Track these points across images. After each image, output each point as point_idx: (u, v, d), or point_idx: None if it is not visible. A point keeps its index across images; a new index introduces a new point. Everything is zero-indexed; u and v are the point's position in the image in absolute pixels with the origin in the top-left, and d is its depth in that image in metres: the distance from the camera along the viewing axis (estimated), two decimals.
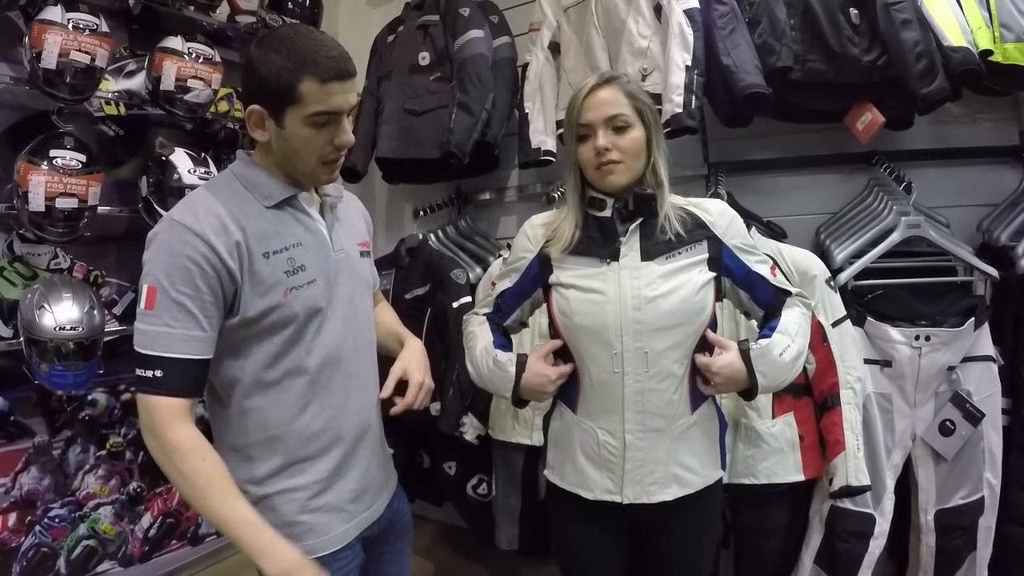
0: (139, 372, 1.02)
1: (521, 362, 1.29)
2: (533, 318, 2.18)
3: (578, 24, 2.15)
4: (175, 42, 2.22)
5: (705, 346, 1.23)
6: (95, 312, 1.98)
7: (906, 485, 1.84)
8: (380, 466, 1.27)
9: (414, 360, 1.28)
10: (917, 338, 1.73)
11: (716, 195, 1.99)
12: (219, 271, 1.01)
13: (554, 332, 1.32)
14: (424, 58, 2.46)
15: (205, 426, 1.11)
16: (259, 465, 1.10)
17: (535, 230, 1.34)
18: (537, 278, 1.33)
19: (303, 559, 1.01)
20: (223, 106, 2.61)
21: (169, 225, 1.02)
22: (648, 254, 1.22)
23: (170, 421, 1.00)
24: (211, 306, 1.01)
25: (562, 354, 1.29)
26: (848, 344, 1.72)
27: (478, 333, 1.39)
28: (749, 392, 1.22)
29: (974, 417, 1.71)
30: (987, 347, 1.75)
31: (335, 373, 1.14)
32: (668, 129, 1.75)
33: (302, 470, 1.11)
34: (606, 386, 1.22)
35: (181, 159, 2.19)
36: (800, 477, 1.74)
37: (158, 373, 1.00)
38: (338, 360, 1.14)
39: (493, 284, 1.43)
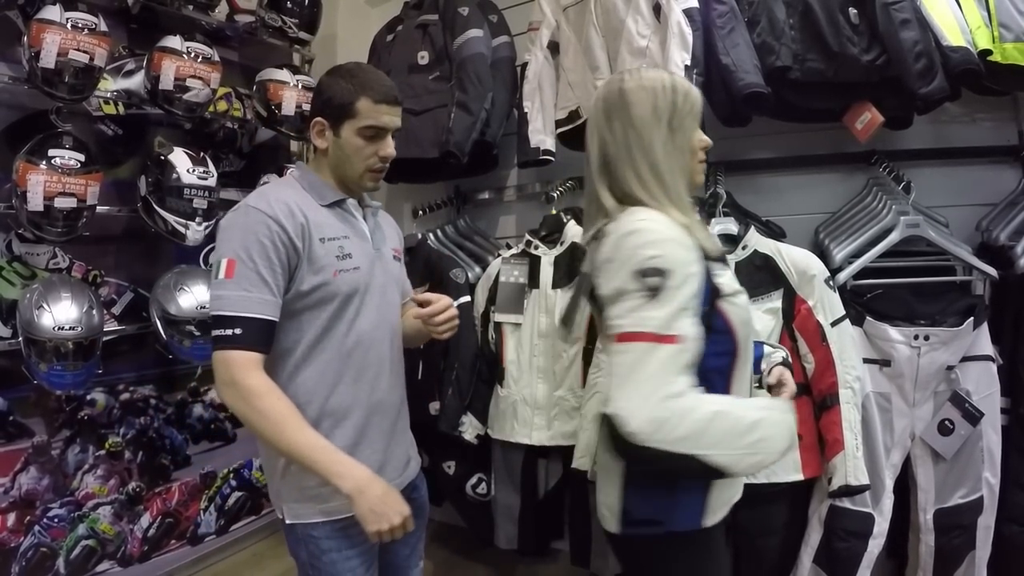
0: (218, 333, 1.14)
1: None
2: (531, 315, 2.19)
3: (577, 23, 2.15)
4: (174, 41, 2.22)
5: None
6: (94, 312, 1.98)
7: (905, 484, 1.84)
8: (402, 447, 1.40)
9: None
10: (916, 337, 1.73)
11: (715, 194, 1.99)
12: (287, 247, 1.18)
13: (719, 348, 1.06)
14: (423, 57, 2.46)
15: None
16: (286, 391, 1.22)
17: (685, 238, 1.02)
18: (707, 294, 1.04)
19: (373, 475, 1.14)
20: (222, 105, 2.61)
21: (245, 210, 1.20)
22: None
23: (247, 369, 1.13)
24: (280, 277, 1.18)
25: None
26: (847, 343, 1.72)
27: (713, 406, 0.98)
28: None
29: (973, 416, 1.71)
30: (986, 346, 1.75)
31: (368, 353, 1.29)
32: None
33: (329, 438, 1.20)
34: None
35: (180, 158, 2.19)
36: (799, 476, 1.74)
37: (237, 331, 1.13)
38: (371, 342, 1.29)
39: (658, 336, 0.95)
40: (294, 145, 2.97)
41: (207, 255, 2.55)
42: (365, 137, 1.26)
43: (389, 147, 1.29)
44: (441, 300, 1.35)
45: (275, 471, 1.28)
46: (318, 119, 1.28)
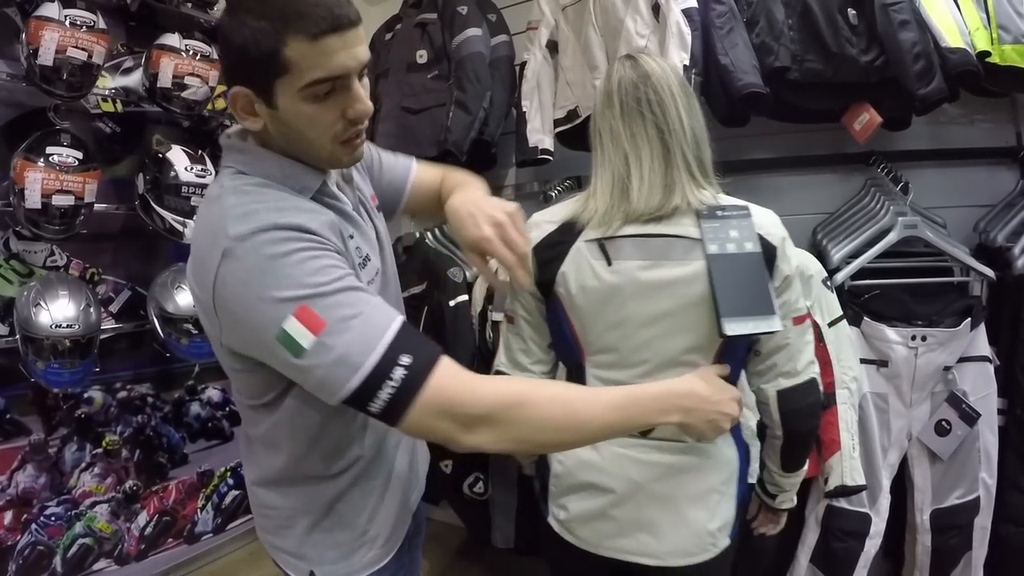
0: (387, 393, 0.75)
1: None
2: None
3: (576, 23, 2.15)
4: (172, 39, 2.21)
5: None
6: (91, 310, 1.98)
7: (902, 485, 1.85)
8: (421, 460, 1.19)
9: (474, 207, 1.04)
10: (913, 338, 1.73)
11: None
12: (335, 249, 0.82)
13: None
14: (422, 56, 2.46)
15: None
16: (336, 461, 0.97)
17: None
18: None
19: (686, 387, 0.93)
20: (220, 103, 2.60)
21: (240, 245, 0.76)
22: None
23: (459, 388, 0.78)
24: (357, 278, 0.83)
25: None
26: (844, 344, 1.72)
27: None
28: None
29: (970, 417, 1.72)
30: (983, 347, 1.75)
31: None
32: None
33: (374, 470, 1.00)
34: None
35: (178, 156, 2.19)
36: None
37: (407, 359, 0.76)
38: None
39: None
40: None
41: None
42: (315, 99, 0.81)
43: (359, 101, 0.84)
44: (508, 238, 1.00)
45: (293, 531, 0.98)
46: (237, 89, 0.83)
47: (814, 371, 1.12)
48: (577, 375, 1.16)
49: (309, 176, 0.88)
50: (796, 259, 1.10)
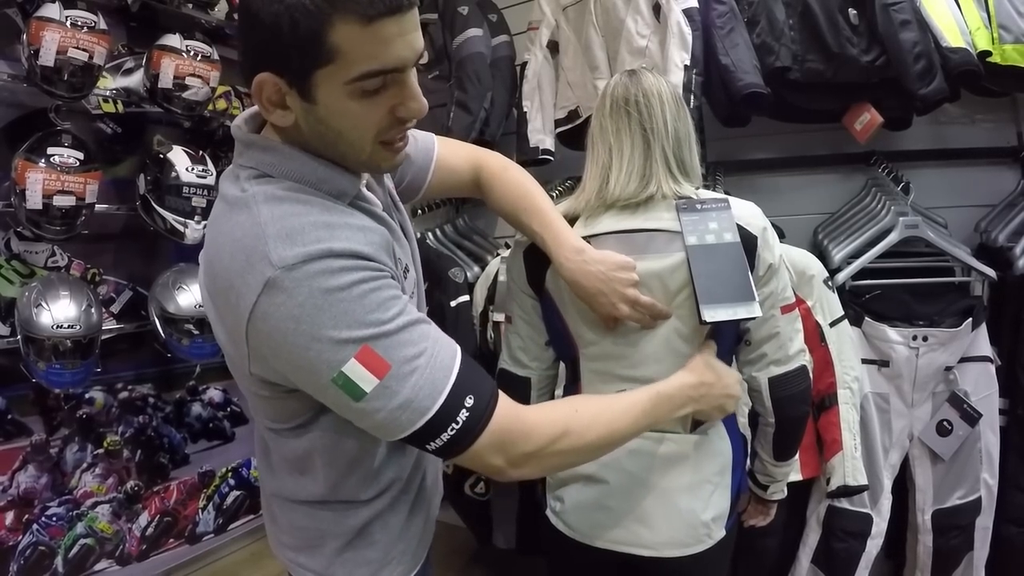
0: (449, 435, 0.72)
1: None
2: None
3: (577, 23, 2.15)
4: (173, 40, 2.22)
5: None
6: (92, 310, 1.98)
7: (903, 485, 1.84)
8: (440, 466, 1.14)
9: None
10: (915, 338, 1.73)
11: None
12: (391, 274, 0.75)
13: None
14: (422, 56, 2.46)
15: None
16: (372, 485, 0.91)
17: None
18: None
19: (695, 378, 0.99)
20: (221, 104, 2.61)
21: (289, 276, 0.67)
22: None
23: (515, 428, 0.76)
24: (412, 304, 0.77)
25: None
26: (846, 344, 1.72)
27: None
28: None
29: (971, 417, 1.71)
30: (984, 347, 1.75)
31: None
32: None
33: (400, 489, 0.95)
34: None
35: (179, 157, 2.19)
36: (797, 477, 1.74)
37: (470, 401, 0.72)
38: None
39: None
40: None
41: None
42: (364, 94, 0.70)
43: (413, 97, 0.73)
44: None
45: (322, 551, 0.92)
46: (264, 76, 0.70)
47: (804, 358, 1.15)
48: (573, 369, 1.20)
49: (346, 179, 0.77)
50: (780, 249, 1.13)
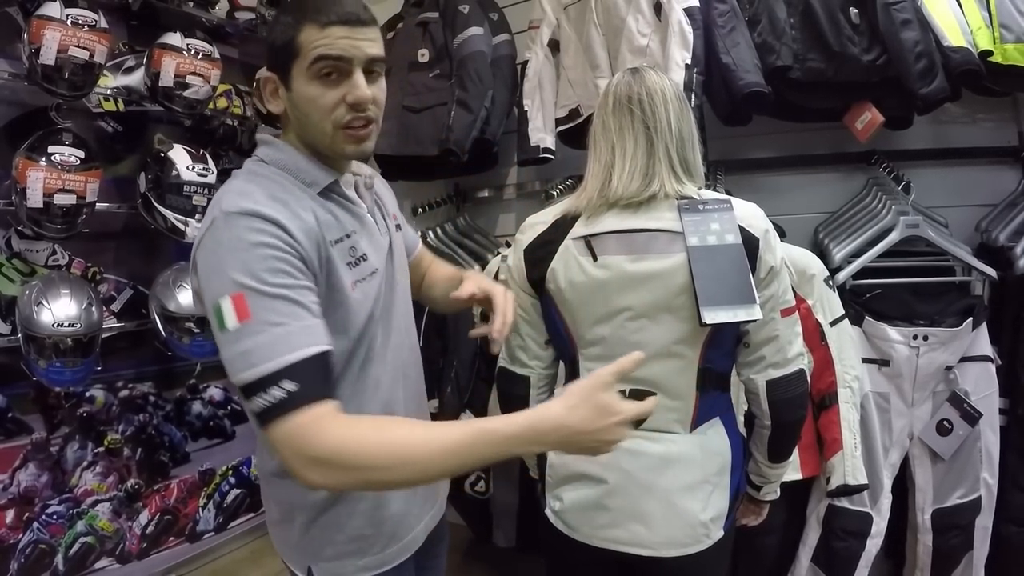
0: (261, 402, 0.78)
1: None
2: None
3: (578, 22, 2.15)
4: (174, 38, 2.22)
5: None
6: (93, 309, 1.99)
7: (903, 484, 1.85)
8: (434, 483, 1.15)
9: (483, 279, 1.16)
10: (915, 337, 1.73)
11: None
12: (302, 255, 0.86)
13: None
14: (423, 55, 2.46)
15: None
16: None
17: None
18: None
19: (558, 420, 0.79)
20: (222, 102, 2.61)
21: (224, 220, 0.84)
22: None
23: (325, 428, 0.78)
24: (310, 292, 0.86)
25: None
26: (846, 343, 1.72)
27: None
28: None
29: (971, 417, 1.72)
30: (985, 347, 1.75)
31: (398, 375, 1.04)
32: None
33: None
34: None
35: (180, 155, 2.19)
36: (797, 476, 1.74)
37: (290, 386, 0.78)
38: (398, 361, 1.04)
39: None
40: None
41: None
42: (319, 78, 0.90)
43: (358, 87, 0.91)
44: (497, 317, 1.05)
45: (293, 525, 1.01)
46: (267, 75, 0.95)
47: (803, 362, 1.15)
48: (573, 369, 1.19)
49: (321, 173, 0.96)
50: (782, 251, 1.12)
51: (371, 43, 0.92)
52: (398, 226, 1.14)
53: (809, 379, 1.74)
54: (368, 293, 0.96)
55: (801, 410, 1.16)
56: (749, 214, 1.10)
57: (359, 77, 0.91)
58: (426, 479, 0.85)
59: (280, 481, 1.00)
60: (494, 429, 0.80)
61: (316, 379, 0.81)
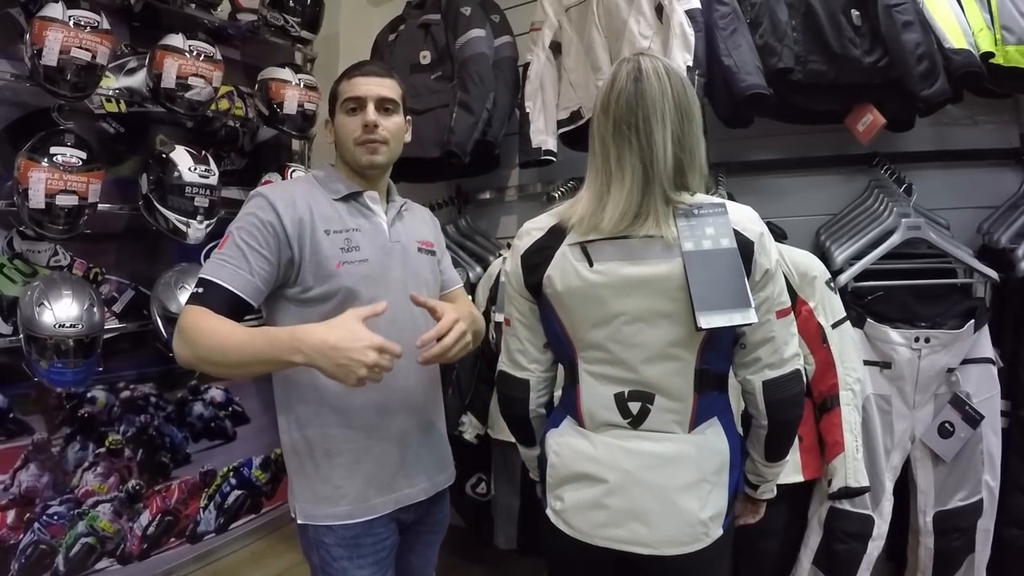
0: (192, 290, 1.18)
1: None
2: None
3: (579, 24, 2.15)
4: (176, 40, 2.22)
5: None
6: (95, 309, 1.99)
7: (905, 487, 1.84)
8: (429, 452, 1.38)
9: (456, 307, 1.31)
10: (917, 340, 1.73)
11: (716, 196, 1.99)
12: (278, 236, 1.20)
13: None
14: (425, 57, 2.46)
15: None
16: (313, 430, 1.27)
17: None
18: None
19: (323, 331, 1.07)
20: (224, 104, 2.61)
21: (254, 195, 1.26)
22: None
23: (194, 313, 1.14)
24: (263, 260, 1.19)
25: None
26: (848, 345, 1.72)
27: None
28: None
29: (973, 419, 1.71)
30: (987, 349, 1.75)
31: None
32: None
33: (335, 437, 1.26)
34: None
35: (181, 156, 2.19)
36: (799, 478, 1.74)
37: (200, 290, 1.16)
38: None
39: None
40: (296, 144, 2.97)
41: (208, 253, 2.56)
42: (347, 112, 1.30)
43: (369, 113, 1.29)
44: (441, 323, 1.21)
45: (291, 468, 1.31)
46: (324, 119, 1.39)
47: (798, 362, 1.15)
48: (571, 371, 1.19)
49: (342, 184, 1.33)
50: (777, 253, 1.12)
51: (383, 88, 1.31)
52: (431, 252, 1.45)
53: (809, 381, 1.75)
54: (352, 273, 1.24)
55: (798, 409, 1.17)
56: (744, 218, 1.10)
57: (371, 108, 1.30)
58: (229, 363, 1.13)
59: (287, 430, 1.30)
60: (268, 331, 1.14)
61: (217, 299, 1.15)
